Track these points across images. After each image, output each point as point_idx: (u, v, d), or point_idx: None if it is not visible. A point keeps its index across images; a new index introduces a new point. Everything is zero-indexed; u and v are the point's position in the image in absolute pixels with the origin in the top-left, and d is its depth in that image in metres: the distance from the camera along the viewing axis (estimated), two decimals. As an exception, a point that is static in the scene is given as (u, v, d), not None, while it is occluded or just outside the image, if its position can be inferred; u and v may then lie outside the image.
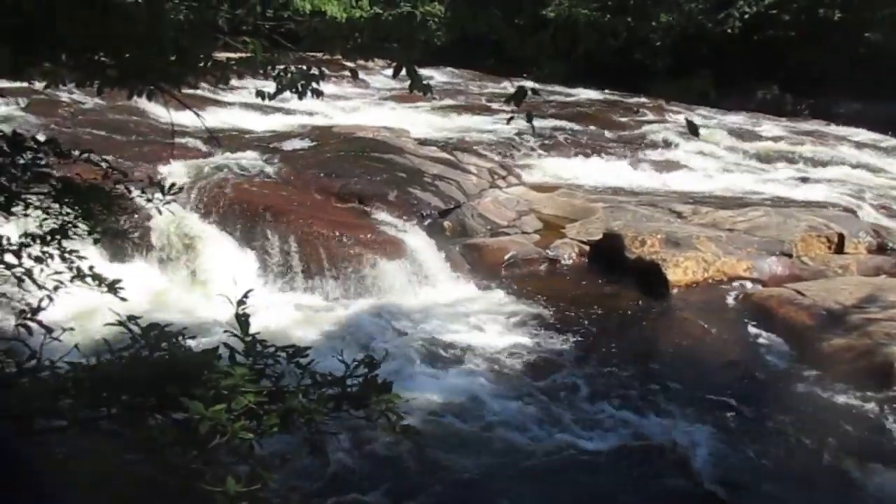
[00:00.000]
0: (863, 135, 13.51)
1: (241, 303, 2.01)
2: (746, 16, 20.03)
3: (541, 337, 5.27)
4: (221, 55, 2.68)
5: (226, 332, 1.97)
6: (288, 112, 11.01)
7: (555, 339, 5.24)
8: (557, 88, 18.40)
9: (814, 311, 5.32)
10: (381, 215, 6.60)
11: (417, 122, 11.97)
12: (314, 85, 2.64)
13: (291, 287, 5.91)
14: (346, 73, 2.90)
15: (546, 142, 11.47)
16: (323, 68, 2.74)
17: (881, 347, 4.68)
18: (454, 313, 5.61)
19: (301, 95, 2.60)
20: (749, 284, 6.29)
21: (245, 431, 1.77)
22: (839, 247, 6.90)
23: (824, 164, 10.84)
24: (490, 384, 4.56)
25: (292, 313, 5.49)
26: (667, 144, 11.70)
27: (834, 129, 14.32)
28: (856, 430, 4.17)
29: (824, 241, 6.92)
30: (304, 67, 2.69)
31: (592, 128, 12.89)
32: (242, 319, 1.96)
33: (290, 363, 1.95)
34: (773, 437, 4.12)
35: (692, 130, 2.45)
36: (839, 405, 4.44)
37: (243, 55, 2.60)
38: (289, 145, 8.55)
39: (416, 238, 6.42)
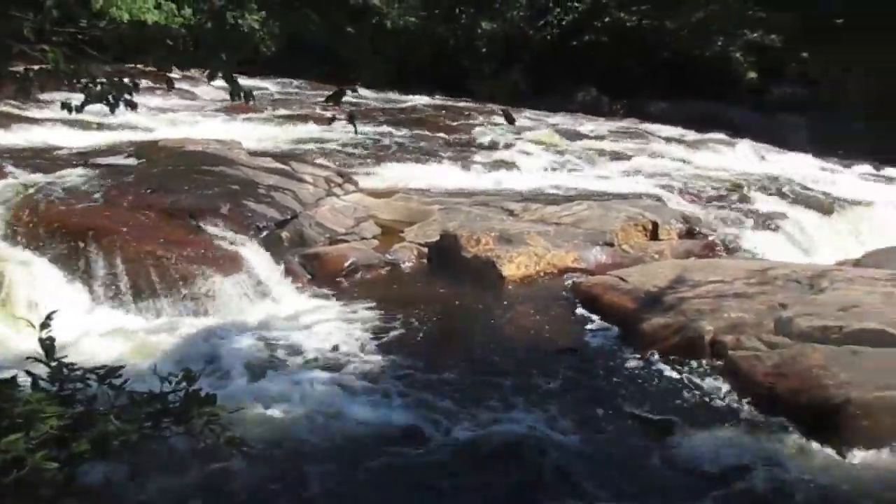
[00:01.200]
0: (670, 130, 14.70)
1: (44, 325, 1.89)
2: (563, 23, 21.17)
3: (384, 340, 5.33)
4: (21, 67, 2.53)
5: (28, 358, 1.85)
6: (109, 127, 10.42)
7: (398, 342, 5.33)
8: (391, 95, 18.65)
9: (634, 294, 5.74)
10: (215, 230, 6.40)
11: (250, 133, 11.71)
12: (127, 96, 2.55)
13: (121, 311, 5.61)
14: (175, 84, 2.81)
15: (382, 148, 11.62)
16: (140, 80, 2.66)
17: (692, 323, 5.14)
18: (296, 325, 5.55)
19: (112, 108, 2.50)
20: (577, 274, 6.69)
21: (49, 461, 1.66)
22: (654, 234, 7.49)
23: (638, 158, 11.70)
24: (335, 392, 4.55)
25: (123, 338, 5.21)
26: (497, 146, 12.17)
27: (646, 126, 15.46)
28: (674, 398, 4.55)
29: (641, 230, 7.49)
30: (117, 78, 2.58)
31: (426, 132, 13.17)
32: (47, 343, 1.85)
33: (101, 385, 1.86)
34: (603, 413, 4.40)
35: (508, 119, 2.61)
36: (660, 378, 4.82)
37: (45, 66, 2.46)
38: (112, 162, 8.09)
39: (252, 251, 6.29)
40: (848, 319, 4.72)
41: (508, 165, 11.04)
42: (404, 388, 4.64)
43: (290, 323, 5.61)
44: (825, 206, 9.28)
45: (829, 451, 3.94)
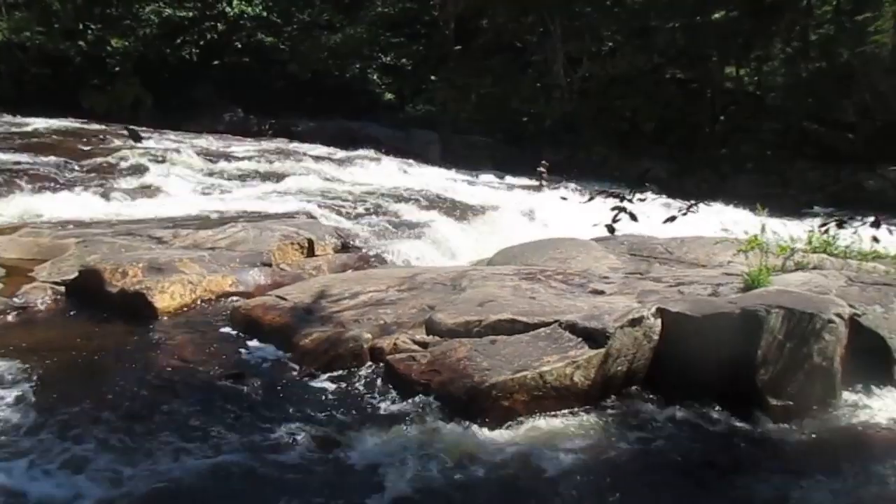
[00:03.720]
0: (319, 149, 15.17)
1: None
2: (202, 42, 20.67)
3: (16, 397, 4.63)
4: None
5: None
6: None
7: (32, 398, 4.63)
8: (6, 118, 16.54)
9: (294, 312, 5.77)
10: None
11: None
12: None
13: None
14: None
15: (-1, 178, 10.22)
16: None
17: (352, 333, 5.31)
18: None
19: None
20: (237, 298, 6.53)
21: None
22: (310, 251, 7.64)
23: (290, 177, 11.88)
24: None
25: None
26: (140, 171, 11.47)
27: (295, 145, 15.77)
28: (341, 408, 4.65)
29: (297, 248, 7.58)
30: None
31: (55, 159, 11.90)
32: None
33: None
34: (275, 433, 4.33)
35: (134, 138, 2.45)
36: (327, 391, 4.90)
37: None
38: None
39: None
40: (485, 313, 5.27)
41: (154, 191, 10.48)
42: (45, 448, 4.10)
43: None
44: (461, 212, 10.31)
45: (481, 431, 4.35)
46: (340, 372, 5.05)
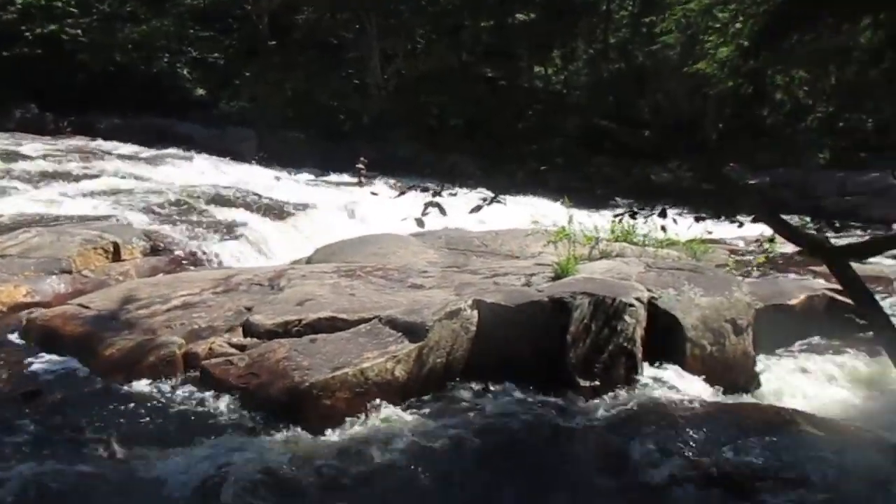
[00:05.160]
0: (125, 147, 14.27)
1: None
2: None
3: None
4: None
5: None
6: None
7: None
8: None
9: (98, 320, 5.39)
10: None
11: None
12: None
13: None
14: None
15: None
16: None
17: (163, 339, 5.04)
18: None
19: None
20: (33, 309, 6.00)
21: None
22: (116, 255, 7.18)
23: (93, 178, 11.10)
24: None
25: None
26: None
27: (98, 144, 14.76)
28: (154, 419, 4.41)
29: (102, 252, 7.11)
30: None
31: None
32: None
33: None
34: (79, 455, 4.03)
35: None
36: (139, 402, 4.60)
37: None
38: None
39: None
40: (305, 312, 5.18)
41: (-72, 195, 9.36)
42: None
43: None
44: (279, 211, 10.09)
45: (303, 432, 4.27)
46: (151, 381, 4.77)
